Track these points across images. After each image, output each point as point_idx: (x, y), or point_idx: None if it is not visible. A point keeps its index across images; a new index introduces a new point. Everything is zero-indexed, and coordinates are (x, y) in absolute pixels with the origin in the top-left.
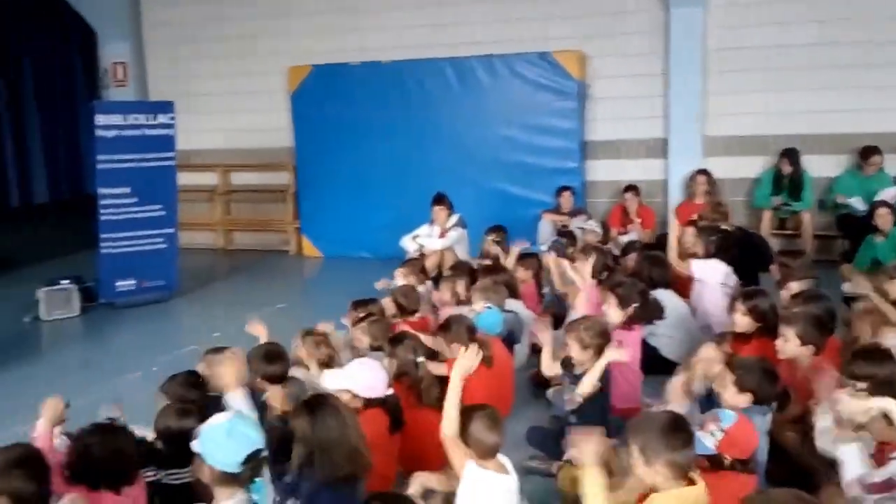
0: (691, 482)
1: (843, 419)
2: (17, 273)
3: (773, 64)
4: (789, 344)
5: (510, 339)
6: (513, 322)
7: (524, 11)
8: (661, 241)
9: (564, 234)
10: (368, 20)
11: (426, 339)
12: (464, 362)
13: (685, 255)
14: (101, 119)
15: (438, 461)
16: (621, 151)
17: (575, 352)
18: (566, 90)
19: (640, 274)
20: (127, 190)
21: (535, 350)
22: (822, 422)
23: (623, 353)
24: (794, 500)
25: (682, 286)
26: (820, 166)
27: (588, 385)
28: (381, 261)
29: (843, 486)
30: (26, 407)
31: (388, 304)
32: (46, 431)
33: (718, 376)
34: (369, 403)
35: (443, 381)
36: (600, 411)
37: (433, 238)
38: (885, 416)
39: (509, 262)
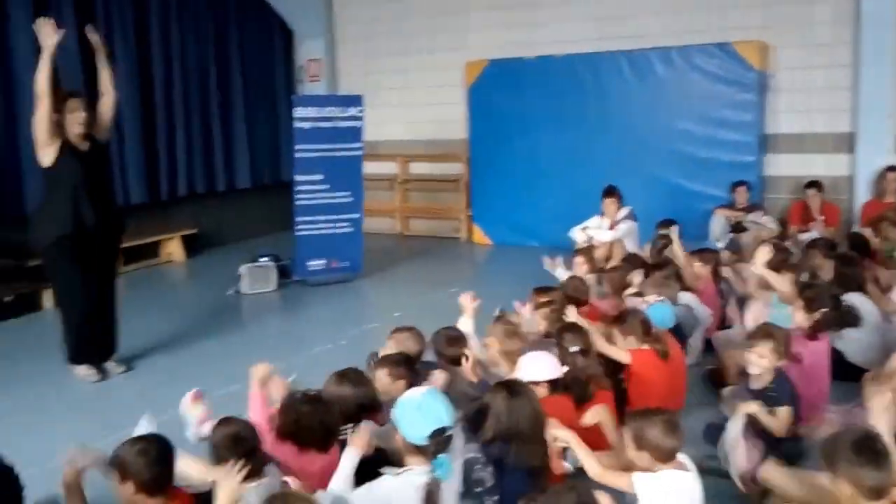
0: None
1: None
2: (224, 250)
3: None
4: None
5: (680, 333)
6: (684, 316)
7: (702, 1)
8: (855, 240)
9: (738, 229)
10: (543, 15)
11: (595, 329)
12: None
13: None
14: (299, 112)
15: (604, 444)
16: (804, 145)
17: (755, 366)
18: (746, 81)
19: (832, 275)
20: (320, 177)
21: (709, 346)
22: None
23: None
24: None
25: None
26: None
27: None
28: (549, 249)
29: None
30: (236, 369)
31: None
32: (259, 392)
33: None
34: (553, 389)
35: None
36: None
37: (602, 230)
38: None
39: (681, 256)
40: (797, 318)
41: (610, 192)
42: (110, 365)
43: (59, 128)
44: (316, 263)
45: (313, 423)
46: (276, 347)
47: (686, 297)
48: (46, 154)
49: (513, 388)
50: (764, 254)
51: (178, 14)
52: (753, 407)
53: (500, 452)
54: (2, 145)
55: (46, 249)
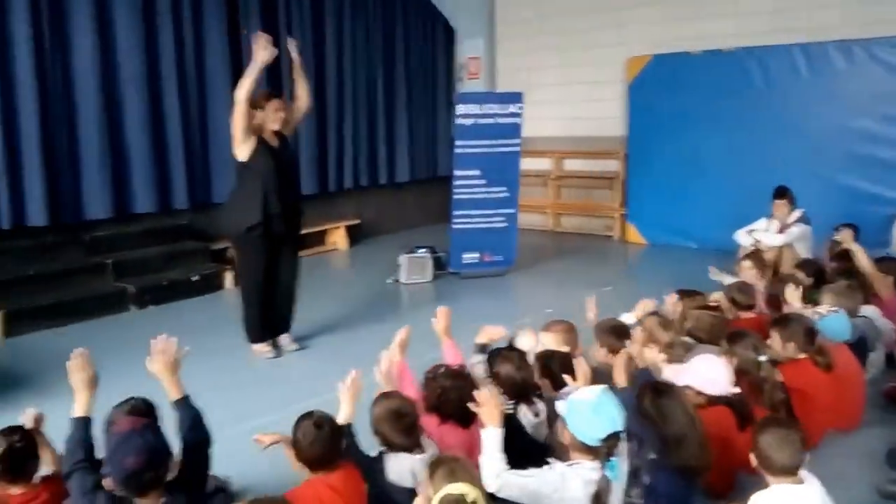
0: None
1: None
2: (383, 240)
3: None
4: None
5: (861, 347)
6: (865, 329)
7: None
8: None
9: None
10: (708, 7)
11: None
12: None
13: None
14: (461, 108)
15: None
16: None
17: None
18: None
19: None
20: (477, 172)
21: (891, 361)
22: None
23: None
24: None
25: None
26: None
27: None
28: (708, 252)
29: None
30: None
31: (721, 298)
32: (403, 361)
33: None
34: (713, 401)
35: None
36: None
37: (771, 233)
38: None
39: (864, 263)
40: None
41: (781, 193)
42: (284, 342)
43: (255, 127)
44: (470, 256)
45: (454, 396)
46: (431, 336)
47: (868, 310)
48: (243, 150)
49: (659, 389)
50: None
51: (351, 13)
52: None
53: (654, 453)
54: (195, 142)
55: (238, 237)
